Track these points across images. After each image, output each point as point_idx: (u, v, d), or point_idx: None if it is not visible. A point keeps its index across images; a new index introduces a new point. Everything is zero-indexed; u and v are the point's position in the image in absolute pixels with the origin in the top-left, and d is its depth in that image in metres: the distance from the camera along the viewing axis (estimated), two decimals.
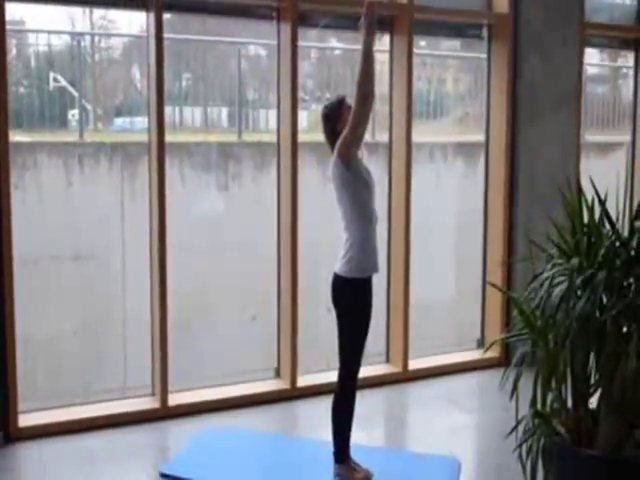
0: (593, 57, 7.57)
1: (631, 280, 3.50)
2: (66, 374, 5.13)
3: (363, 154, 5.88)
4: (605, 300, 3.49)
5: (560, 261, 3.63)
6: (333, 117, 4.00)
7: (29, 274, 4.84)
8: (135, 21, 5.35)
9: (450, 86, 6.94)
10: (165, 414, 5.00)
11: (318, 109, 5.41)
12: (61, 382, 5.08)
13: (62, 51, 5.39)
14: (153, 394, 5.12)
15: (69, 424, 4.76)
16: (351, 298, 4.01)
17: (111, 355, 5.28)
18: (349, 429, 4.11)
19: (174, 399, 5.07)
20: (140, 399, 5.11)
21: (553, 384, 3.60)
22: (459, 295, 6.53)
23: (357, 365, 4.08)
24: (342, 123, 3.93)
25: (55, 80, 5.26)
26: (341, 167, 3.90)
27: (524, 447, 3.64)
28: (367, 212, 3.99)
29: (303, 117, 5.85)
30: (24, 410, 4.71)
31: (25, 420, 4.69)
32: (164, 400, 5.01)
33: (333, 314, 4.07)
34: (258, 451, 4.58)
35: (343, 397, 4.09)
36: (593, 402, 3.69)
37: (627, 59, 7.69)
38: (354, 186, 3.94)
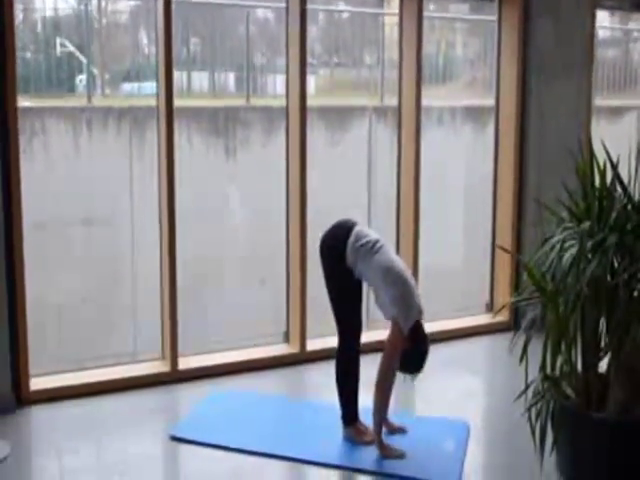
0: (604, 20, 7.47)
1: None
2: (76, 338, 5.15)
3: (371, 119, 5.87)
4: (616, 264, 3.48)
5: (571, 225, 3.62)
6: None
7: (39, 239, 4.85)
8: None
9: (459, 50, 6.87)
10: (175, 378, 5.03)
11: (326, 73, 5.36)
12: (72, 346, 5.10)
13: (69, 16, 5.35)
14: (163, 358, 5.15)
15: (80, 388, 4.79)
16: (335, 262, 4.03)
17: (121, 319, 5.30)
18: (355, 392, 4.14)
19: (184, 363, 5.09)
20: (150, 363, 5.14)
21: (563, 348, 3.60)
22: (468, 259, 6.52)
23: (353, 329, 4.11)
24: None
25: (62, 45, 5.22)
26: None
27: (533, 410, 3.65)
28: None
29: (311, 82, 5.80)
30: (35, 374, 4.75)
31: (36, 384, 4.72)
32: (174, 364, 5.03)
33: None
34: (267, 414, 4.61)
35: (344, 359, 4.13)
36: (603, 366, 3.70)
37: (639, 22, 7.60)
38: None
